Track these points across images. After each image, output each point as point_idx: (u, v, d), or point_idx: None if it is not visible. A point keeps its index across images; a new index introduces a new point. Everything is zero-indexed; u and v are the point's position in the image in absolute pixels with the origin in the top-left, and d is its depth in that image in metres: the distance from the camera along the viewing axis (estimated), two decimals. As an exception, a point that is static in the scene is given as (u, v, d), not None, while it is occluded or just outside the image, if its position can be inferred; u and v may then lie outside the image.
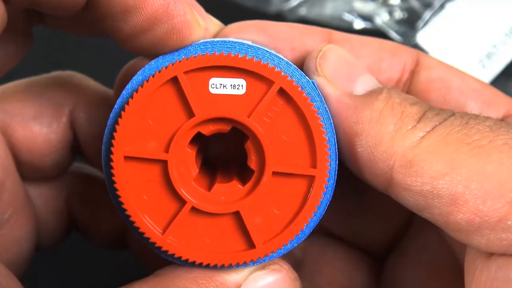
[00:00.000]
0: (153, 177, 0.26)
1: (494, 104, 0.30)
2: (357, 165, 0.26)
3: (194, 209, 0.26)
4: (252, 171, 0.26)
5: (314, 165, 0.26)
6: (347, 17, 0.58)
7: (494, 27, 0.54)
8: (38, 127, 0.32)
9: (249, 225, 0.26)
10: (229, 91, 0.25)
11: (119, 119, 0.25)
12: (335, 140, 0.26)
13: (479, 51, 0.54)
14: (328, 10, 0.58)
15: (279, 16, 0.58)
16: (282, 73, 0.25)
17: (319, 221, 0.26)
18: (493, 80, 0.54)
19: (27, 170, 0.33)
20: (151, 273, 0.27)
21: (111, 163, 0.25)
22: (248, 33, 0.30)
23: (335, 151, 0.26)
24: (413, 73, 0.32)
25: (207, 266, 0.26)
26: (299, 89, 0.25)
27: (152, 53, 0.27)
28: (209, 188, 0.27)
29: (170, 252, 0.26)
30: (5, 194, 0.31)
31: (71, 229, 0.37)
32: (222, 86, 0.25)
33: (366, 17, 0.58)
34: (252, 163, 0.26)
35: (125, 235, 0.36)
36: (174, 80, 0.25)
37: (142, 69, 0.26)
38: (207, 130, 0.26)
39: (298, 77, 0.26)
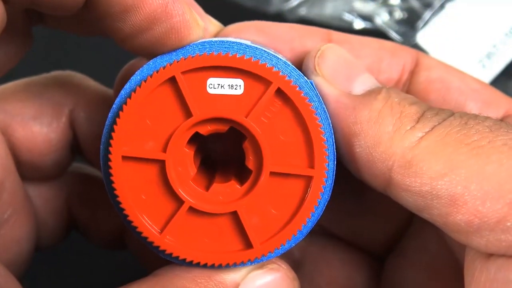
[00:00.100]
0: (151, 177, 0.26)
1: (493, 104, 0.30)
2: (356, 165, 0.26)
3: (191, 209, 0.26)
4: (250, 171, 0.26)
5: (312, 166, 0.26)
6: (347, 17, 0.58)
7: (494, 27, 0.54)
8: (38, 126, 0.32)
9: (247, 225, 0.26)
10: (227, 91, 0.25)
11: (117, 119, 0.25)
12: (333, 141, 0.26)
13: (479, 51, 0.54)
14: (328, 10, 0.58)
15: (279, 16, 0.58)
16: (280, 73, 0.25)
17: (318, 221, 0.26)
18: (493, 80, 0.54)
19: (27, 170, 0.33)
20: (150, 273, 0.27)
21: (109, 163, 0.26)
22: (247, 34, 0.30)
23: (333, 151, 0.26)
24: (413, 73, 0.32)
25: (205, 266, 0.26)
26: (297, 89, 0.25)
27: (151, 53, 0.27)
28: (207, 188, 0.27)
29: (167, 252, 0.26)
30: (5, 194, 0.31)
31: (71, 229, 0.37)
32: (220, 86, 0.25)
33: (366, 17, 0.58)
34: (250, 163, 0.26)
35: (124, 235, 0.36)
36: (172, 80, 0.25)
37: (140, 69, 0.26)
38: (205, 130, 0.26)
39: (296, 77, 0.26)
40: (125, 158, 0.26)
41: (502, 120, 0.30)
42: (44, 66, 0.36)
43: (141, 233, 0.26)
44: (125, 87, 0.26)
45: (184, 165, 0.26)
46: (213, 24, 0.31)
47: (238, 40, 0.27)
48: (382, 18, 0.57)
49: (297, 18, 0.58)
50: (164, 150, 0.26)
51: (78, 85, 0.34)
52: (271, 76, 0.25)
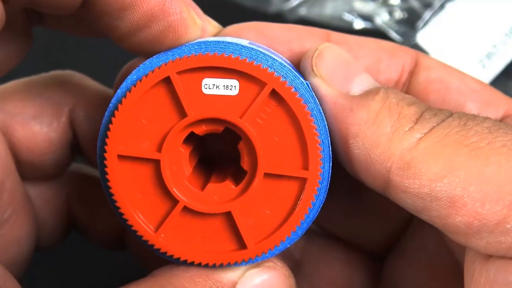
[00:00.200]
0: (146, 176, 0.26)
1: (493, 104, 0.30)
2: (354, 167, 0.26)
3: (186, 209, 0.26)
4: (245, 172, 0.26)
5: (306, 167, 0.26)
6: (347, 17, 0.58)
7: (494, 27, 0.54)
8: (38, 126, 0.32)
9: (241, 225, 0.26)
10: (222, 91, 0.25)
11: (113, 119, 0.25)
12: (329, 142, 0.26)
13: (479, 51, 0.54)
14: (328, 10, 0.58)
15: (279, 16, 0.58)
16: (275, 74, 0.25)
17: (318, 221, 0.26)
18: (493, 80, 0.54)
19: (27, 170, 0.33)
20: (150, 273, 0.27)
21: (105, 162, 0.26)
22: (246, 35, 0.30)
23: (329, 153, 0.26)
24: (412, 73, 0.31)
25: (199, 265, 0.26)
26: (292, 90, 0.25)
27: (148, 51, 0.27)
28: (203, 187, 0.27)
29: (162, 251, 0.26)
30: (5, 194, 0.31)
31: (71, 229, 0.37)
32: (215, 86, 0.25)
33: (366, 17, 0.58)
34: (245, 163, 0.26)
35: (124, 235, 0.36)
36: (167, 80, 0.25)
37: (137, 68, 0.26)
38: (200, 130, 0.26)
39: (292, 78, 0.26)
40: (120, 157, 0.26)
41: (501, 120, 0.30)
42: (44, 66, 0.36)
43: (136, 231, 0.26)
44: (121, 86, 0.26)
45: (179, 164, 0.27)
46: (212, 25, 0.31)
47: (235, 41, 0.27)
48: (382, 18, 0.57)
49: (297, 18, 0.58)
50: (159, 150, 0.26)
51: (78, 84, 0.34)
52: (265, 77, 0.25)
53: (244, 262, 0.26)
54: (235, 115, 0.25)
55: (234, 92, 0.25)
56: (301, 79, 0.26)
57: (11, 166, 0.31)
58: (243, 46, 0.26)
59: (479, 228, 0.23)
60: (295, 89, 0.25)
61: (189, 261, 0.26)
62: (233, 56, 0.25)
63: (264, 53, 0.26)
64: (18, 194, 0.32)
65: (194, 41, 0.26)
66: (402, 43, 0.54)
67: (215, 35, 0.31)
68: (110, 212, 0.27)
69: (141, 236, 0.26)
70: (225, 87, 0.25)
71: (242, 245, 0.26)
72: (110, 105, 0.26)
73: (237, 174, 0.27)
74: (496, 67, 0.54)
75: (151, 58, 0.26)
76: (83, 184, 0.36)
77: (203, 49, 0.26)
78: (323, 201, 0.26)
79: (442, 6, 0.56)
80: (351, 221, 0.35)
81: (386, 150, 0.25)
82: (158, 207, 0.26)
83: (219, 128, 0.26)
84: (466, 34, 0.55)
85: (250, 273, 0.27)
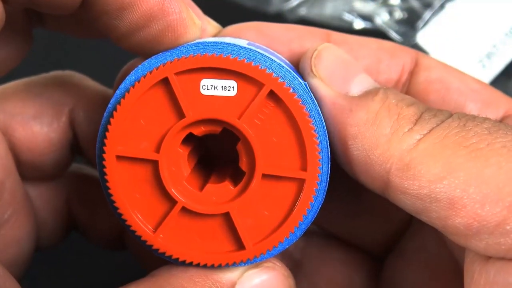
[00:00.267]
0: (145, 177, 0.26)
1: (493, 104, 0.30)
2: (353, 168, 0.26)
3: (184, 209, 0.26)
4: (243, 173, 0.26)
5: (304, 168, 0.26)
6: (347, 17, 0.58)
7: (494, 27, 0.54)
8: (38, 126, 0.32)
9: (239, 226, 0.26)
10: (220, 92, 0.25)
11: (111, 119, 0.25)
12: (328, 143, 0.26)
13: (479, 51, 0.54)
14: (328, 10, 0.58)
15: (279, 16, 0.58)
16: (273, 75, 0.25)
17: (318, 221, 0.26)
18: (493, 80, 0.54)
19: (28, 170, 0.33)
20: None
21: (103, 162, 0.26)
22: (246, 35, 0.30)
23: (327, 154, 0.26)
24: (412, 74, 0.31)
25: (198, 265, 0.26)
26: (290, 91, 0.25)
27: (147, 51, 0.27)
28: (201, 188, 0.27)
29: (161, 251, 0.26)
30: (5, 194, 0.31)
31: (71, 229, 0.37)
32: (213, 87, 0.25)
33: (366, 17, 0.58)
34: (243, 164, 0.26)
35: (124, 235, 0.36)
36: (165, 81, 0.25)
37: (135, 69, 0.26)
38: (199, 131, 0.26)
39: (290, 79, 0.26)
40: (119, 157, 0.26)
41: (502, 120, 0.30)
42: (44, 66, 0.36)
43: (135, 231, 0.26)
44: (120, 87, 0.26)
45: (177, 165, 0.27)
46: (212, 26, 0.31)
47: (233, 41, 0.27)
48: (382, 18, 0.57)
49: (297, 18, 0.58)
50: (158, 151, 0.26)
51: (77, 85, 0.34)
52: (263, 78, 0.25)
53: (242, 263, 0.26)
54: (233, 116, 0.25)
55: (233, 93, 0.25)
56: (300, 79, 0.26)
57: (11, 166, 0.31)
58: (241, 46, 0.26)
59: (479, 229, 0.23)
60: (294, 89, 0.25)
61: (187, 261, 0.26)
62: (231, 57, 0.25)
63: (262, 54, 0.26)
64: (18, 194, 0.32)
65: (193, 42, 0.26)
66: (402, 43, 0.54)
67: (215, 35, 0.31)
68: (110, 212, 0.27)
69: (140, 236, 0.26)
70: (223, 88, 0.25)
71: (240, 245, 0.26)
72: (109, 105, 0.26)
73: (236, 175, 0.27)
74: (496, 67, 0.54)
75: (149, 59, 0.26)
76: (83, 184, 0.36)
77: (201, 50, 0.26)
78: (321, 202, 0.26)
79: (442, 6, 0.56)
80: (351, 221, 0.35)
81: (385, 151, 0.25)
82: (156, 207, 0.26)
83: (217, 129, 0.26)
84: (466, 34, 0.55)
85: (249, 274, 0.27)
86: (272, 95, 0.25)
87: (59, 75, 0.34)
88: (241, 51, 0.26)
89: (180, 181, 0.27)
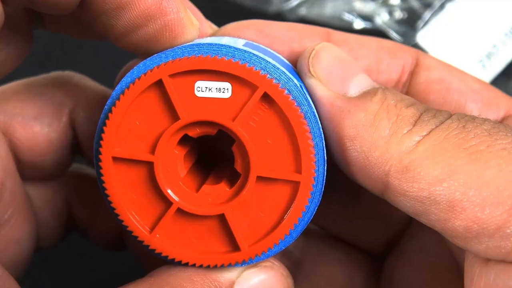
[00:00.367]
0: (141, 178, 0.26)
1: (494, 104, 0.30)
2: (352, 169, 0.26)
3: (180, 210, 0.26)
4: (239, 174, 0.26)
5: (299, 171, 0.25)
6: (347, 17, 0.58)
7: (494, 27, 0.54)
8: (38, 126, 0.32)
9: (234, 228, 0.26)
10: (214, 94, 0.25)
11: (107, 121, 0.26)
12: (323, 145, 0.26)
13: (479, 51, 0.54)
14: (328, 10, 0.58)
15: (279, 16, 0.58)
16: (268, 76, 0.25)
17: (318, 221, 0.26)
18: (493, 80, 0.54)
19: (28, 170, 0.33)
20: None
21: (100, 163, 0.26)
22: (246, 34, 0.30)
23: (323, 156, 0.26)
24: (413, 73, 0.31)
25: (193, 266, 0.26)
26: (285, 93, 0.25)
27: (145, 51, 0.27)
28: (198, 189, 0.27)
29: (157, 251, 0.26)
30: (6, 194, 0.31)
31: (71, 229, 0.37)
32: (207, 89, 0.25)
33: (366, 17, 0.58)
34: (239, 166, 0.26)
35: (124, 235, 0.36)
36: (160, 83, 0.25)
37: (131, 70, 0.26)
38: (194, 132, 0.26)
39: (285, 80, 0.25)
40: (115, 158, 0.26)
41: (502, 120, 0.30)
42: (44, 66, 0.36)
43: (131, 232, 0.26)
44: (116, 89, 0.26)
45: (173, 166, 0.27)
46: (213, 30, 0.31)
47: (230, 41, 0.27)
48: (382, 18, 0.57)
49: (297, 18, 0.58)
50: (153, 152, 0.26)
51: (78, 85, 0.34)
52: (257, 80, 0.25)
53: (238, 264, 0.26)
54: (228, 118, 0.25)
55: (227, 95, 0.25)
56: (295, 81, 0.26)
57: (11, 167, 0.31)
58: (236, 48, 0.26)
59: (479, 232, 0.23)
60: (288, 91, 0.25)
61: (183, 261, 0.26)
62: (225, 59, 0.25)
63: (257, 55, 0.26)
64: (19, 194, 0.32)
65: (189, 43, 0.26)
66: (402, 43, 0.54)
67: (215, 33, 0.31)
68: (110, 212, 0.27)
69: (137, 237, 0.26)
70: (218, 89, 0.25)
71: (236, 247, 0.26)
72: (106, 106, 0.26)
73: (233, 176, 0.27)
74: (496, 67, 0.54)
75: (144, 61, 0.26)
76: (84, 185, 0.36)
77: (196, 52, 0.25)
78: (318, 204, 0.26)
79: (442, 6, 0.56)
80: (351, 221, 0.34)
81: (384, 153, 0.24)
82: (152, 208, 0.26)
83: (213, 131, 0.26)
84: (466, 34, 0.55)
85: (247, 273, 0.27)
86: (266, 97, 0.25)
87: (59, 75, 0.34)
88: (236, 52, 0.25)
89: (176, 182, 0.27)
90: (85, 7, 0.26)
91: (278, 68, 0.25)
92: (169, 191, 0.26)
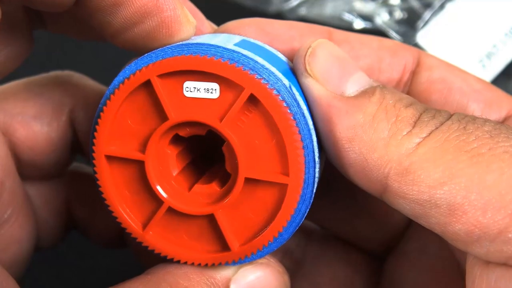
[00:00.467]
0: (134, 176, 0.26)
1: (495, 104, 0.30)
2: (350, 171, 0.26)
3: (171, 209, 0.26)
4: (230, 174, 0.26)
5: (286, 173, 0.25)
6: (347, 17, 0.58)
7: (494, 27, 0.54)
8: (38, 126, 0.32)
9: (224, 228, 0.26)
10: (203, 95, 0.25)
11: (99, 120, 0.26)
12: (314, 146, 0.25)
13: (479, 51, 0.54)
14: (328, 10, 0.58)
15: (279, 16, 0.58)
16: (256, 77, 0.24)
17: (318, 221, 0.26)
18: (493, 80, 0.54)
19: (28, 170, 0.33)
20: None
21: (93, 161, 0.26)
22: (247, 32, 0.30)
23: (314, 158, 0.25)
24: (414, 73, 0.31)
25: (185, 264, 0.26)
26: (273, 93, 0.24)
27: (141, 48, 0.27)
28: (190, 188, 0.27)
29: (150, 248, 0.27)
30: (5, 194, 0.31)
31: (70, 229, 0.37)
32: (196, 89, 0.25)
33: (366, 17, 0.58)
34: (228, 167, 0.26)
35: (124, 233, 0.36)
36: (148, 83, 0.25)
37: (123, 69, 0.26)
38: (185, 132, 0.26)
39: (274, 81, 0.25)
40: (107, 157, 0.26)
41: (504, 120, 0.29)
42: (44, 66, 0.36)
43: (125, 228, 0.27)
44: (109, 88, 0.26)
45: (165, 165, 0.27)
46: (214, 30, 0.31)
47: (221, 41, 0.26)
48: (382, 18, 0.57)
49: (297, 18, 0.58)
50: (144, 151, 0.26)
51: (77, 84, 0.34)
52: (244, 81, 0.24)
53: (227, 263, 0.26)
54: (215, 119, 0.25)
55: (215, 95, 0.25)
56: (285, 81, 0.25)
57: (11, 166, 0.31)
58: (225, 48, 0.25)
59: (480, 236, 0.22)
60: (277, 91, 0.25)
61: (175, 259, 0.27)
62: (214, 59, 0.24)
63: (246, 56, 0.25)
64: (18, 194, 0.32)
65: (180, 42, 0.26)
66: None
67: (215, 31, 0.31)
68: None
69: (130, 233, 0.27)
70: (206, 90, 0.25)
71: (226, 246, 0.26)
72: (100, 105, 0.26)
73: (225, 177, 0.27)
74: (496, 67, 0.54)
75: (136, 60, 0.26)
76: (83, 184, 0.36)
77: (185, 51, 0.25)
78: (309, 206, 0.26)
79: (442, 6, 0.56)
80: (351, 221, 0.34)
81: (383, 155, 0.24)
82: (145, 205, 0.27)
83: (202, 131, 0.26)
84: (466, 34, 0.55)
85: (243, 270, 0.27)
86: (254, 98, 0.25)
87: (59, 75, 0.34)
88: (225, 52, 0.25)
89: (168, 180, 0.27)
90: (81, 4, 0.26)
91: (267, 69, 0.25)
92: (159, 189, 0.26)
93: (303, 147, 0.25)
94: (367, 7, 0.58)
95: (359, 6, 0.58)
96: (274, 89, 0.25)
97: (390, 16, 0.57)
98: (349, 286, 0.34)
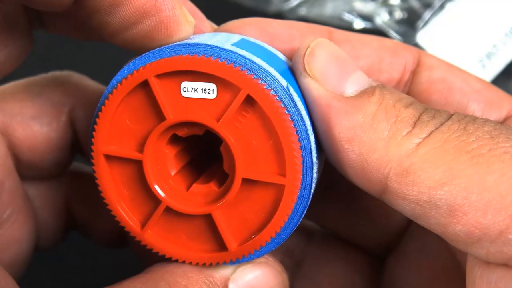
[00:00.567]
0: (132, 175, 0.27)
1: (496, 104, 0.30)
2: (349, 171, 0.25)
3: (169, 208, 0.26)
4: (228, 174, 0.26)
5: (283, 174, 0.25)
6: (347, 17, 0.58)
7: (494, 27, 0.54)
8: (38, 126, 0.32)
9: (221, 227, 0.26)
10: (200, 95, 0.25)
11: (97, 119, 0.26)
12: (311, 147, 0.25)
13: (479, 51, 0.54)
14: (328, 10, 0.58)
15: (279, 16, 0.58)
16: (253, 77, 0.24)
17: (319, 221, 0.26)
18: (493, 80, 0.54)
19: (27, 170, 0.33)
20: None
21: (92, 161, 0.26)
22: (247, 32, 0.30)
23: (311, 159, 0.25)
24: (414, 73, 0.31)
25: (183, 263, 0.27)
26: (270, 94, 0.24)
27: (140, 47, 0.27)
28: (189, 187, 0.27)
29: (148, 247, 0.27)
30: (4, 194, 0.31)
31: (70, 229, 0.37)
32: (193, 90, 0.25)
33: (366, 17, 0.58)
34: (226, 167, 0.26)
35: (125, 233, 0.36)
36: (146, 83, 0.25)
37: (122, 69, 0.26)
38: (183, 132, 0.26)
39: (271, 81, 0.25)
40: (106, 156, 0.26)
41: (505, 120, 0.29)
42: (44, 67, 0.36)
43: (124, 227, 0.27)
44: (108, 87, 0.26)
45: (164, 165, 0.27)
46: (214, 30, 0.31)
47: (220, 40, 0.26)
48: (382, 18, 0.57)
49: (297, 18, 0.58)
50: (142, 151, 0.26)
51: (77, 84, 0.34)
52: (241, 81, 0.24)
53: (225, 263, 0.26)
54: (213, 119, 0.25)
55: (212, 95, 0.25)
56: (283, 81, 0.25)
57: (10, 166, 0.31)
58: (222, 48, 0.25)
59: (480, 237, 0.22)
60: (274, 92, 0.24)
61: (173, 258, 0.27)
62: (212, 59, 0.24)
63: (243, 56, 0.25)
64: (18, 194, 0.32)
65: (178, 42, 0.26)
66: (402, 43, 0.54)
67: (216, 30, 0.31)
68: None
69: (129, 232, 0.27)
70: (203, 90, 0.25)
71: (224, 246, 0.26)
72: (99, 104, 0.26)
73: (223, 176, 0.27)
74: (496, 67, 0.54)
75: (134, 60, 0.26)
76: (83, 183, 0.36)
77: (182, 51, 0.25)
78: (307, 206, 0.26)
79: (442, 6, 0.56)
80: (351, 221, 0.34)
81: (383, 156, 0.24)
82: (144, 204, 0.27)
83: (200, 131, 0.26)
84: (466, 34, 0.55)
85: (242, 269, 0.27)
86: (251, 99, 0.24)
87: (58, 75, 0.34)
88: (222, 53, 0.25)
89: (167, 180, 0.27)
90: (80, 4, 0.26)
91: (264, 69, 0.25)
92: (157, 189, 0.26)
93: (300, 148, 0.25)
94: (367, 7, 0.58)
95: (359, 6, 0.58)
96: (271, 89, 0.24)
97: (390, 16, 0.57)
98: (349, 286, 0.34)
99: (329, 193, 0.34)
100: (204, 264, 0.26)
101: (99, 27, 0.26)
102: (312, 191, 0.26)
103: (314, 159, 0.25)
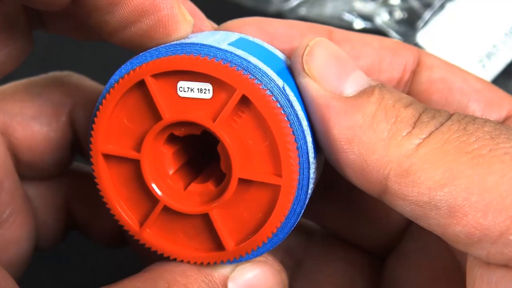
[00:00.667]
0: (130, 174, 0.27)
1: (496, 104, 0.30)
2: (349, 172, 0.25)
3: (167, 207, 0.26)
4: (225, 174, 0.26)
5: (279, 174, 0.25)
6: (347, 17, 0.58)
7: (494, 27, 0.54)
8: (38, 126, 0.32)
9: (218, 227, 0.26)
10: (196, 95, 0.25)
11: (95, 118, 0.26)
12: (307, 148, 0.25)
13: (479, 51, 0.54)
14: (328, 10, 0.58)
15: (279, 16, 0.58)
16: (249, 77, 0.24)
17: (319, 220, 0.26)
18: (493, 80, 0.54)
19: (27, 170, 0.33)
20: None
21: (91, 159, 0.26)
22: (247, 31, 0.30)
23: (308, 159, 0.25)
24: (415, 73, 0.31)
25: (181, 262, 0.27)
26: (266, 94, 0.24)
27: (139, 46, 0.27)
28: (186, 187, 0.27)
29: (147, 245, 0.27)
30: (4, 194, 0.31)
31: (70, 229, 0.37)
32: (189, 89, 0.25)
33: (366, 17, 0.58)
34: (223, 166, 0.26)
35: (124, 232, 0.36)
36: (143, 83, 0.25)
37: (120, 68, 0.26)
38: (180, 132, 0.26)
39: (267, 81, 0.25)
40: (105, 155, 0.26)
41: (505, 120, 0.29)
42: (44, 67, 0.36)
43: (123, 226, 0.27)
44: (106, 87, 0.26)
45: (161, 164, 0.27)
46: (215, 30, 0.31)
47: (218, 39, 0.26)
48: (382, 18, 0.57)
49: (297, 18, 0.58)
50: (140, 150, 0.26)
51: (76, 85, 0.34)
52: (236, 82, 0.24)
53: (223, 262, 0.26)
54: (209, 119, 0.25)
55: (208, 95, 0.25)
56: (279, 81, 0.25)
57: (10, 166, 0.31)
58: (218, 48, 0.25)
59: (481, 238, 0.22)
60: (270, 92, 0.24)
61: (171, 257, 0.27)
62: (208, 59, 0.24)
63: (239, 56, 0.25)
64: (17, 194, 0.32)
65: (175, 42, 0.26)
66: (402, 43, 0.54)
67: (216, 30, 0.31)
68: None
69: (128, 231, 0.27)
70: (199, 90, 0.25)
71: (221, 246, 0.26)
72: (97, 104, 0.26)
73: (220, 176, 0.27)
74: (496, 67, 0.54)
75: (132, 59, 0.26)
76: (83, 183, 0.36)
77: (179, 51, 0.25)
78: (304, 206, 0.26)
79: (442, 6, 0.56)
80: (351, 221, 0.34)
81: (383, 156, 0.24)
82: (142, 203, 0.27)
83: (197, 131, 0.26)
84: (466, 34, 0.55)
85: (241, 268, 0.27)
86: (246, 99, 0.24)
87: (58, 75, 0.34)
88: (218, 52, 0.25)
89: (164, 179, 0.27)
90: (79, 3, 0.26)
91: (260, 69, 0.25)
92: (155, 188, 0.26)
93: (297, 148, 0.25)
94: (367, 7, 0.58)
95: (359, 6, 0.58)
96: (267, 89, 0.24)
97: (390, 16, 0.57)
98: (349, 285, 0.34)
99: (329, 193, 0.34)
100: (202, 263, 0.26)
101: (97, 26, 0.26)
102: (310, 191, 0.26)
103: (311, 159, 0.25)
